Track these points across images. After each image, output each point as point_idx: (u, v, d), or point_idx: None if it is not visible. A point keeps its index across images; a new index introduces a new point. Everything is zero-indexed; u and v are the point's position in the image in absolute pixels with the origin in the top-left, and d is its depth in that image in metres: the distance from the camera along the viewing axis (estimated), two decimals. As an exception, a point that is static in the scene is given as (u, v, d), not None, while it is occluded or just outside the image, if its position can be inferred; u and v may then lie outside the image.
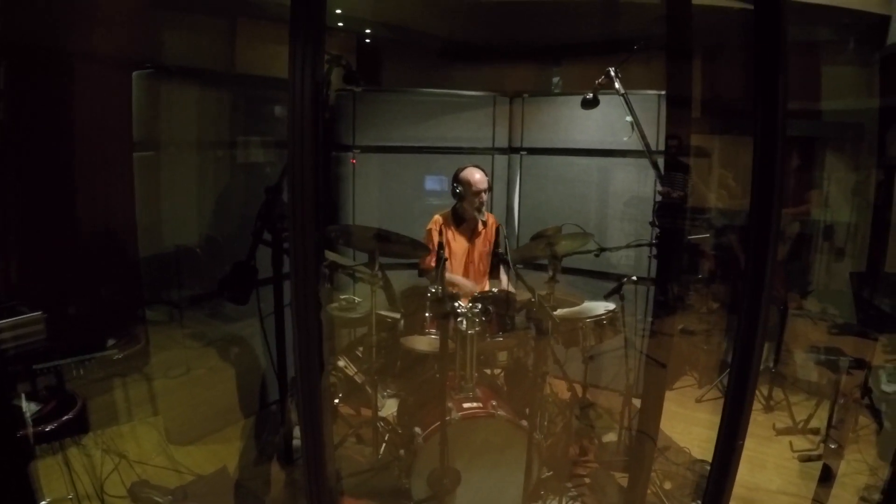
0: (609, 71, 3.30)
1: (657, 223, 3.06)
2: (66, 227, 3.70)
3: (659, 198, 3.06)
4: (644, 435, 2.81)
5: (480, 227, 4.21)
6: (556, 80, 5.88)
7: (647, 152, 3.22)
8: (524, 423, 3.20)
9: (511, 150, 5.39)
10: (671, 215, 2.93)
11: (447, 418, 2.97)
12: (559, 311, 3.61)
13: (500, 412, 3.17)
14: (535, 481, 3.20)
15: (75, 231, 3.75)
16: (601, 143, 4.91)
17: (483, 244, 4.28)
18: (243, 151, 4.21)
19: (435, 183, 5.19)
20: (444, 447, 2.87)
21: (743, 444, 1.85)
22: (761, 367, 4.69)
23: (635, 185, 4.85)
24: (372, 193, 5.15)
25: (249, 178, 4.22)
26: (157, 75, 3.55)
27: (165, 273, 3.83)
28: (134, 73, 3.48)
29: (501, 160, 5.36)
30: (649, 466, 2.90)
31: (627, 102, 3.24)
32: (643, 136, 3.21)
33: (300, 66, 1.51)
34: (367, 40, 5.77)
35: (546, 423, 3.75)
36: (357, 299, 4.09)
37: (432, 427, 3.05)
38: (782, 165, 1.70)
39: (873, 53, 4.60)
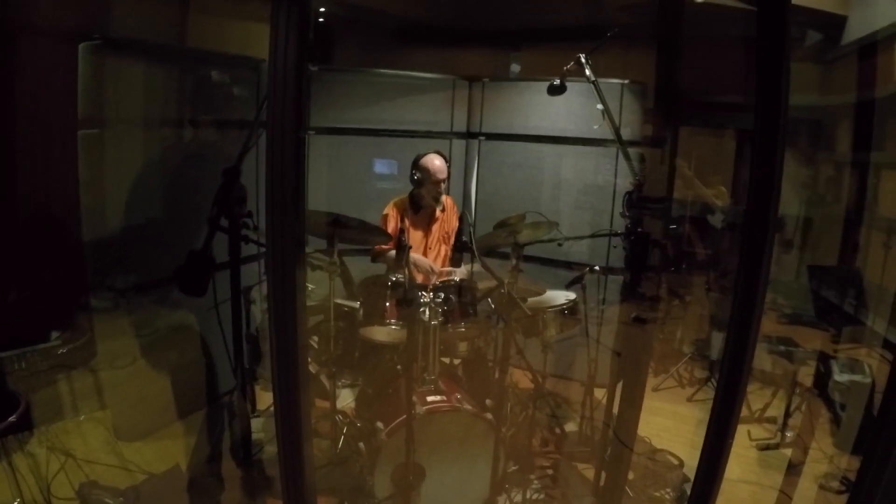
0: (579, 57, 3.24)
1: (628, 214, 3.01)
2: (4, 209, 3.45)
3: (629, 188, 3.01)
4: (621, 430, 2.78)
5: (438, 213, 4.12)
6: (514, 65, 5.81)
7: (617, 141, 3.17)
8: (489, 415, 3.14)
9: (469, 135, 5.29)
10: (643, 206, 2.89)
11: (412, 412, 2.88)
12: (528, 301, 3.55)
13: (466, 406, 3.10)
14: (501, 475, 3.15)
15: (14, 214, 3.50)
16: (561, 130, 4.86)
17: (440, 230, 4.20)
18: (195, 131, 3.99)
19: (390, 167, 5.07)
20: (410, 443, 2.78)
21: (732, 443, 1.82)
22: (715, 358, 4.78)
23: (593, 173, 4.82)
24: (324, 176, 4.99)
25: (200, 158, 4.01)
26: (105, 47, 3.28)
27: (110, 258, 3.60)
28: (80, 45, 3.21)
29: (459, 145, 5.26)
30: (627, 461, 2.87)
31: (598, 90, 3.18)
32: (614, 125, 3.16)
33: (283, 40, 1.38)
34: (321, 19, 5.58)
35: (509, 415, 3.72)
36: (310, 286, 3.95)
37: (396, 422, 2.95)
38: (782, 164, 1.66)
39: (829, 52, 4.68)
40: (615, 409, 3.53)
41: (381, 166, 5.08)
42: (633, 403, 2.68)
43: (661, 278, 3.24)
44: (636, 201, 2.93)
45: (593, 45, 3.32)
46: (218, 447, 3.31)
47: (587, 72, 3.20)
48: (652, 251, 2.99)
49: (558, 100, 3.69)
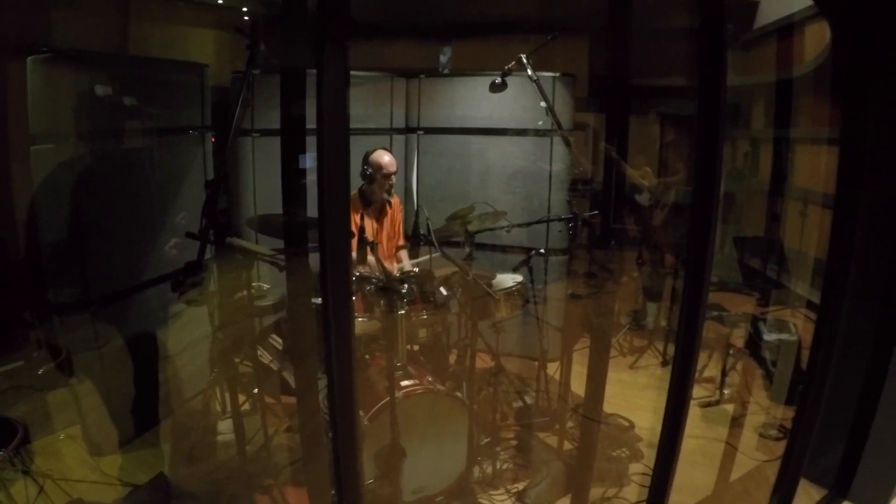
0: (521, 57, 3.45)
1: (573, 199, 3.28)
2: None
3: (574, 176, 3.27)
4: (587, 402, 3.03)
5: (387, 208, 4.27)
6: (444, 59, 5.96)
7: (560, 133, 3.42)
8: (460, 394, 3.37)
9: (408, 129, 5.45)
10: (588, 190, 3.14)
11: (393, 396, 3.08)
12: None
13: (438, 387, 3.32)
14: (474, 448, 3.39)
15: None
16: (497, 121, 5.05)
17: (390, 225, 4.35)
18: (140, 138, 3.97)
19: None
20: (395, 427, 2.98)
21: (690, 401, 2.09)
22: (652, 327, 5.13)
23: (528, 161, 5.02)
24: (272, 178, 5.03)
25: (147, 166, 4.01)
26: (54, 59, 3.26)
27: (68, 269, 3.59)
28: (29, 58, 3.17)
29: (399, 140, 5.40)
30: (595, 430, 3.13)
31: (540, 88, 3.41)
32: (557, 120, 3.40)
33: (332, 54, 1.53)
34: (246, 18, 5.57)
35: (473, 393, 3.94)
36: (265, 286, 4.03)
37: (376, 407, 3.14)
38: (722, 149, 1.91)
39: (742, 36, 5.04)
40: (568, 380, 3.85)
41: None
42: (598, 374, 2.92)
43: (604, 256, 3.52)
44: (581, 187, 3.19)
45: (525, 39, 3.52)
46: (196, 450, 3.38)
47: (529, 71, 3.42)
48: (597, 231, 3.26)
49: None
